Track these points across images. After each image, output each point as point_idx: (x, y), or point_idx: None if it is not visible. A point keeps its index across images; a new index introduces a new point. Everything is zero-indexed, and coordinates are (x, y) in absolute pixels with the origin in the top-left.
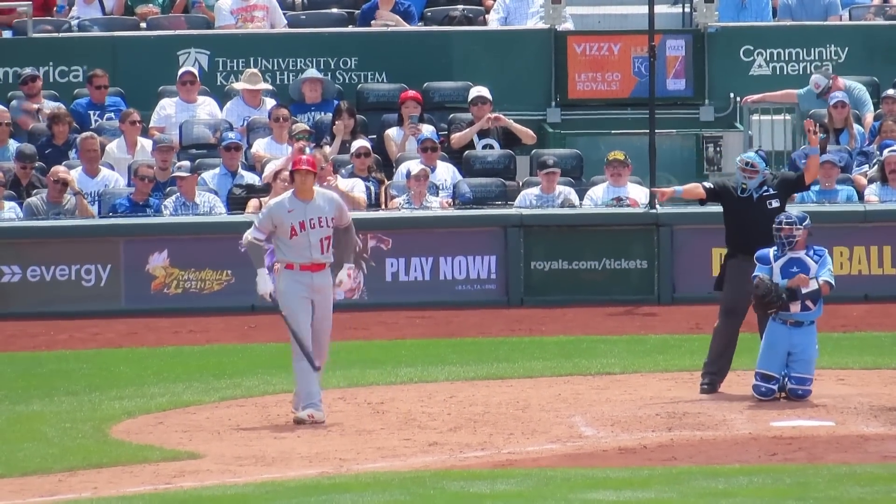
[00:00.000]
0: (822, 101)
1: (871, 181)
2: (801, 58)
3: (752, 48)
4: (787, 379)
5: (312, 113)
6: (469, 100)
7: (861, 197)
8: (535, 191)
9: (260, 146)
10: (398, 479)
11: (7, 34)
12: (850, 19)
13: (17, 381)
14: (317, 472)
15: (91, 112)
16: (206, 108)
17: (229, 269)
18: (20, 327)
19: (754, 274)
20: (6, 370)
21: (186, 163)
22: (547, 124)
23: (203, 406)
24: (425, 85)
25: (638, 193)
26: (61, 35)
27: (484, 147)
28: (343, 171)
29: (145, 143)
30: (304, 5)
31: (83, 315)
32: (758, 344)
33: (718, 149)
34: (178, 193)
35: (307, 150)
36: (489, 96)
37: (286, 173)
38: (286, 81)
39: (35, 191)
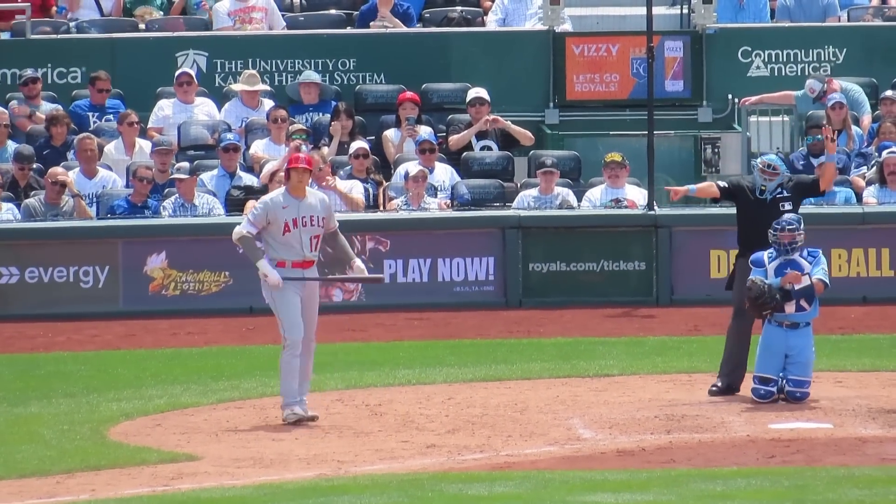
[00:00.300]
0: (819, 103)
1: (869, 183)
2: (799, 59)
3: (750, 49)
4: (785, 381)
5: (311, 114)
6: (467, 101)
7: (859, 199)
8: (534, 192)
9: (258, 147)
10: (396, 481)
11: (5, 36)
12: (849, 20)
13: (15, 383)
14: (315, 474)
15: (90, 114)
16: (204, 109)
17: (227, 270)
18: (18, 329)
19: (749, 277)
20: (4, 372)
21: (185, 164)
22: (545, 126)
23: (201, 408)
24: (423, 86)
25: (636, 195)
26: (60, 36)
27: (482, 148)
28: (341, 172)
29: (144, 145)
30: (303, 7)
31: (81, 317)
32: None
33: (716, 150)
34: (177, 195)
35: (303, 148)
36: (487, 98)
37: (283, 174)
38: (284, 83)
39: (33, 192)
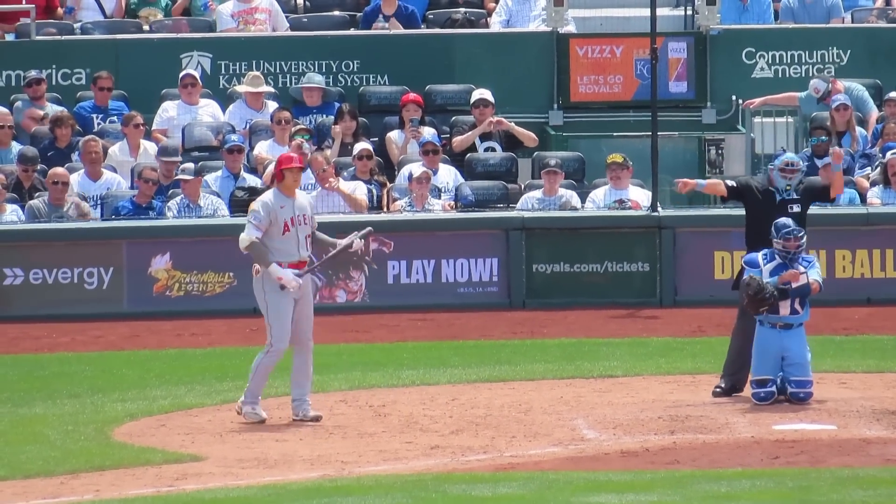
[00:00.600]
0: (823, 104)
1: (873, 184)
2: (803, 60)
3: (754, 51)
4: (787, 383)
5: (314, 115)
6: (471, 102)
7: (863, 200)
8: (537, 193)
9: (262, 148)
10: (400, 482)
11: (10, 37)
12: (853, 22)
13: (20, 384)
14: (319, 475)
15: (94, 115)
16: (208, 110)
17: (231, 271)
18: (23, 330)
19: (745, 275)
20: (8, 372)
21: (190, 165)
22: (549, 127)
23: (205, 408)
24: (427, 87)
25: (640, 196)
26: (64, 38)
27: (486, 150)
28: (345, 173)
29: (148, 146)
30: (306, 8)
31: (85, 318)
32: None
33: (720, 151)
34: (182, 196)
35: (304, 147)
36: (491, 99)
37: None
38: (288, 84)
39: (37, 193)
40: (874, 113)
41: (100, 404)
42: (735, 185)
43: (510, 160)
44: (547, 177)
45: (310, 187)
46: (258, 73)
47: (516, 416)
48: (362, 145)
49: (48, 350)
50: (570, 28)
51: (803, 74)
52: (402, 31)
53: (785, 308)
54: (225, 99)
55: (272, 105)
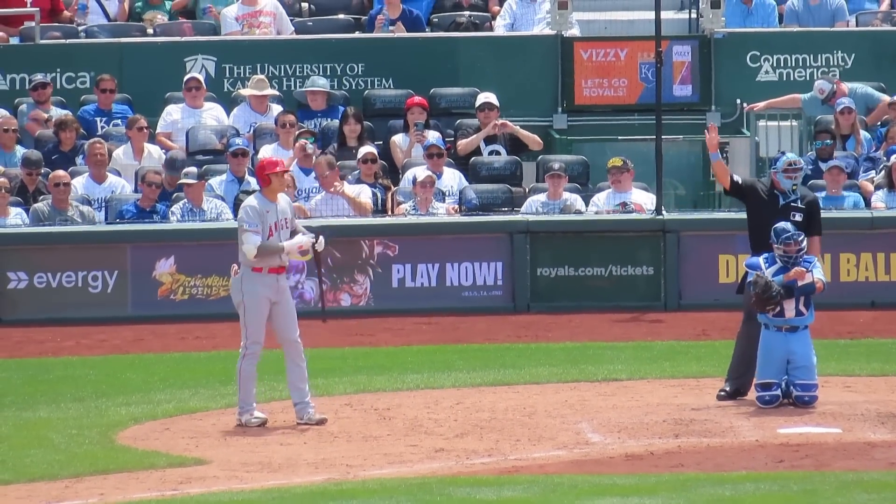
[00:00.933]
0: (827, 106)
1: (877, 187)
2: (807, 64)
3: (758, 54)
4: (791, 387)
5: (319, 119)
6: (476, 106)
7: (868, 203)
8: (542, 197)
9: (266, 152)
10: (404, 486)
11: (15, 41)
12: (857, 25)
13: (24, 388)
14: (323, 479)
15: (98, 118)
16: (212, 114)
17: None
18: (27, 334)
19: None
20: (13, 376)
21: (193, 169)
22: (553, 130)
23: (209, 412)
24: (432, 91)
25: (643, 198)
26: (69, 41)
27: (490, 153)
28: (350, 176)
29: (152, 150)
30: (311, 12)
31: (90, 321)
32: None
33: (725, 155)
34: (186, 200)
35: (309, 148)
36: (496, 102)
37: (288, 177)
38: (293, 87)
39: (41, 197)
40: (885, 98)
41: (104, 408)
42: (740, 182)
43: (514, 164)
44: (551, 180)
45: (314, 191)
46: (262, 77)
47: (521, 420)
48: (367, 149)
49: (52, 354)
50: (575, 31)
51: (808, 78)
52: (406, 34)
53: (790, 310)
54: (229, 102)
55: (276, 108)
